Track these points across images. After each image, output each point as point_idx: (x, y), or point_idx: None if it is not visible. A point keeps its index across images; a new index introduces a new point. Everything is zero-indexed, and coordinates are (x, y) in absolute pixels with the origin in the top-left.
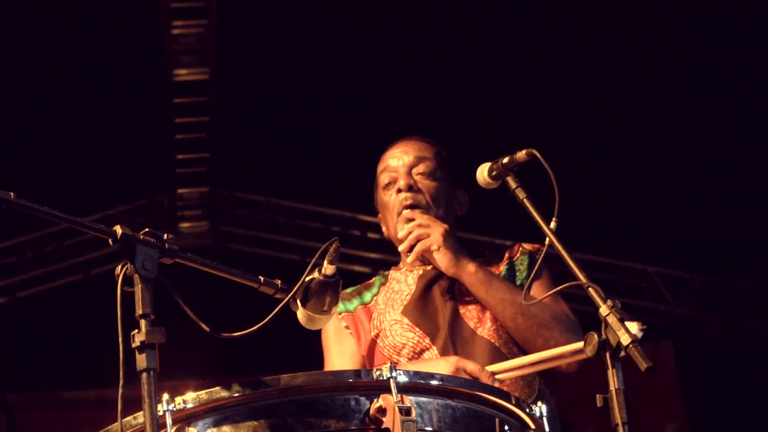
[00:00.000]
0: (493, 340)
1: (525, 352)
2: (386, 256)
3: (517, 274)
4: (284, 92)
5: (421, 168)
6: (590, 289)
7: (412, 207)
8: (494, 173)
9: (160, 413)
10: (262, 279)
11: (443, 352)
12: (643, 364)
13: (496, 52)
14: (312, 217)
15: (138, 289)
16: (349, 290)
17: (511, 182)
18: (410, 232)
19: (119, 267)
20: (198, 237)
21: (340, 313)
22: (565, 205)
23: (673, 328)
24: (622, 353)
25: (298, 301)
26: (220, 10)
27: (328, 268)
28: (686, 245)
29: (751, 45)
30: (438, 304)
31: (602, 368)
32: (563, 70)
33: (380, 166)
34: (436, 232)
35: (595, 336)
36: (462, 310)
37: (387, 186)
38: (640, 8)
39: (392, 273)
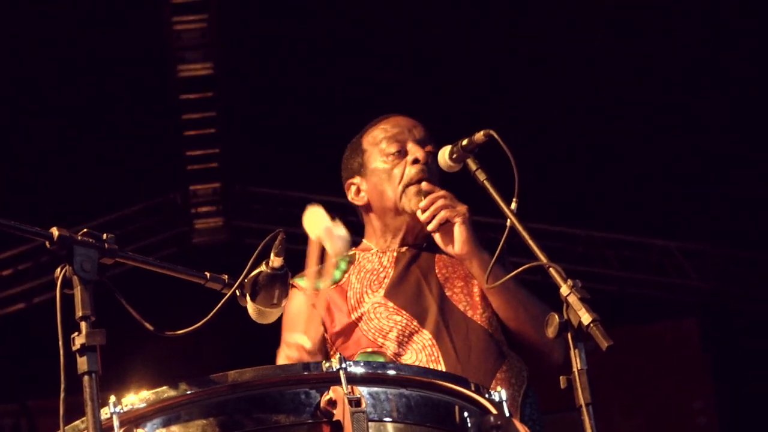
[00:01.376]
0: (486, 326)
1: (512, 341)
2: None
3: None
4: (291, 82)
5: (429, 147)
6: (551, 269)
7: (428, 180)
8: (455, 156)
9: (107, 416)
10: (208, 275)
11: (436, 336)
12: (604, 343)
13: (497, 51)
14: (328, 207)
15: (77, 291)
16: (312, 270)
17: (471, 164)
18: (432, 202)
19: (58, 269)
20: (213, 233)
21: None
22: (588, 184)
23: (697, 304)
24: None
25: (247, 296)
26: (221, 4)
27: (275, 261)
28: (705, 219)
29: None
30: (422, 286)
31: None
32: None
33: (380, 133)
34: (462, 206)
35: (556, 317)
36: (448, 292)
37: (394, 154)
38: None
39: (359, 253)
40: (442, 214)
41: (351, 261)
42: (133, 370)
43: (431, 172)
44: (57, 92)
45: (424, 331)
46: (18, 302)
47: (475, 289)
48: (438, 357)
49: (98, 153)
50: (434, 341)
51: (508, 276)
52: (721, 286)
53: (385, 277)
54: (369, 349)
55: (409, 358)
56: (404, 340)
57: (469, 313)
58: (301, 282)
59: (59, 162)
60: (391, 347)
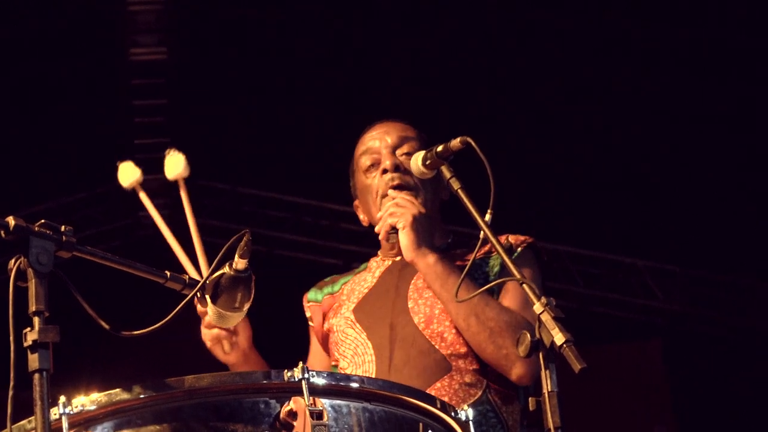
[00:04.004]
0: (432, 339)
1: (473, 360)
2: (360, 247)
3: (488, 270)
4: (249, 73)
5: (405, 148)
6: (524, 285)
7: (399, 187)
8: (428, 162)
9: (56, 417)
10: (168, 274)
11: (378, 351)
12: (576, 366)
13: (474, 43)
14: (280, 206)
15: (32, 285)
16: (327, 279)
17: (446, 172)
18: (386, 210)
19: (12, 261)
20: (157, 227)
21: (309, 302)
22: (553, 195)
23: (662, 325)
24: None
25: (208, 298)
26: None
27: (239, 263)
28: (676, 239)
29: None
30: (389, 298)
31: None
32: (558, 60)
33: (359, 149)
34: (408, 212)
35: (528, 335)
36: (411, 303)
37: (369, 168)
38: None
39: (371, 262)
40: (388, 221)
41: (362, 271)
42: (85, 370)
43: (409, 176)
44: (4, 74)
45: (369, 344)
46: None
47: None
48: (373, 372)
49: (42, 136)
50: (374, 355)
51: (475, 294)
52: (687, 309)
53: (367, 288)
54: (333, 363)
55: (352, 372)
56: (353, 353)
57: (422, 327)
58: (310, 294)
59: None
60: (342, 362)
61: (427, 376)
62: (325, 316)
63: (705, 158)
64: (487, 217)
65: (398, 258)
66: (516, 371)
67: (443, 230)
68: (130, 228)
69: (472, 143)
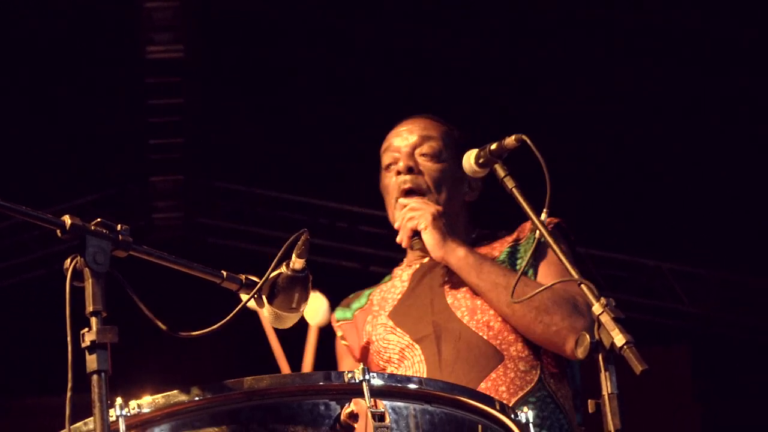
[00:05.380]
0: (479, 331)
1: (524, 346)
2: (377, 250)
3: (518, 259)
4: (266, 73)
5: (425, 148)
6: (583, 285)
7: (410, 191)
8: (481, 160)
9: (113, 418)
10: (224, 274)
11: (425, 350)
12: (638, 367)
13: (492, 32)
14: (296, 208)
15: (88, 285)
16: (351, 295)
17: (500, 170)
18: (403, 218)
19: (68, 260)
20: (172, 229)
21: (338, 321)
22: (575, 197)
23: (688, 330)
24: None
25: (264, 298)
26: None
27: (296, 262)
28: (702, 240)
29: None
30: (427, 297)
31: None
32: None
33: (383, 145)
34: (426, 211)
35: (587, 336)
36: (450, 299)
37: (388, 167)
38: None
39: (396, 270)
40: (407, 227)
41: (388, 281)
42: (141, 371)
43: (428, 176)
44: (14, 71)
45: (416, 346)
46: None
47: None
48: (424, 371)
49: (52, 136)
50: (422, 356)
51: (533, 293)
52: (714, 312)
53: (399, 294)
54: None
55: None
56: (400, 357)
57: (466, 320)
58: (338, 313)
59: (8, 145)
60: (389, 368)
61: (480, 369)
62: (357, 331)
63: (728, 158)
64: (543, 216)
65: (425, 260)
66: (570, 345)
67: (466, 229)
68: (142, 230)
69: (528, 141)
